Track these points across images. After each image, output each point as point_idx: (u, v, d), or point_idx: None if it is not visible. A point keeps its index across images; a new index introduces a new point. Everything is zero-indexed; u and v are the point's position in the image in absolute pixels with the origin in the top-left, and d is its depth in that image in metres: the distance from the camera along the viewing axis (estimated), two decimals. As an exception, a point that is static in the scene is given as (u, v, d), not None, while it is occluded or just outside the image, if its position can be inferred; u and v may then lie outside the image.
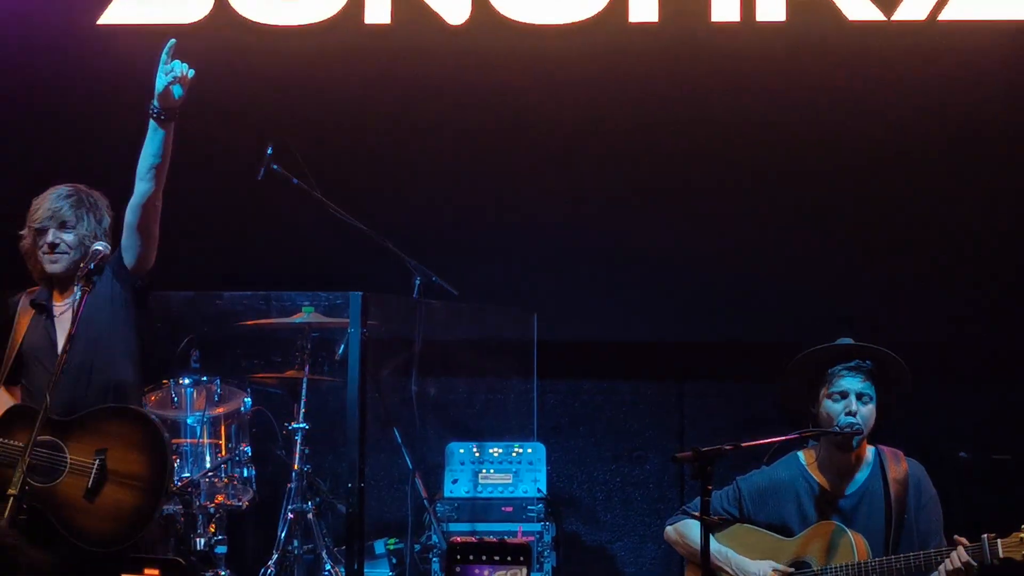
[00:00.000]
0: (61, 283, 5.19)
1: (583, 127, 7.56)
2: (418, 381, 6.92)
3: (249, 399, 7.07)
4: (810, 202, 7.47)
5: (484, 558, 2.40)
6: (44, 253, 5.12)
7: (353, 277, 7.02)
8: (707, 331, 7.58)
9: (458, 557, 2.39)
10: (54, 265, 5.12)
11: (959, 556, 4.69)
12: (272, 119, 7.44)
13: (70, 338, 4.85)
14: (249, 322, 7.14)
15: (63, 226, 5.12)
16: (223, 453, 6.88)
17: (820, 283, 7.42)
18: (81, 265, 5.05)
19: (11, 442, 4.86)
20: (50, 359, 5.03)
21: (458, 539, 2.39)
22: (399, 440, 7.05)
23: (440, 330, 7.13)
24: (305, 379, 6.99)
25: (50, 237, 5.11)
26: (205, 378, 6.86)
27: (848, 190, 7.44)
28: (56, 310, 5.16)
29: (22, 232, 5.20)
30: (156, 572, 2.70)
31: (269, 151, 6.72)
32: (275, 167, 6.73)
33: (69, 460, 4.90)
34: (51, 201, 5.16)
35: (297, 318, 6.99)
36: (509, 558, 2.41)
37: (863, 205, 7.44)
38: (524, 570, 2.40)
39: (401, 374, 7.13)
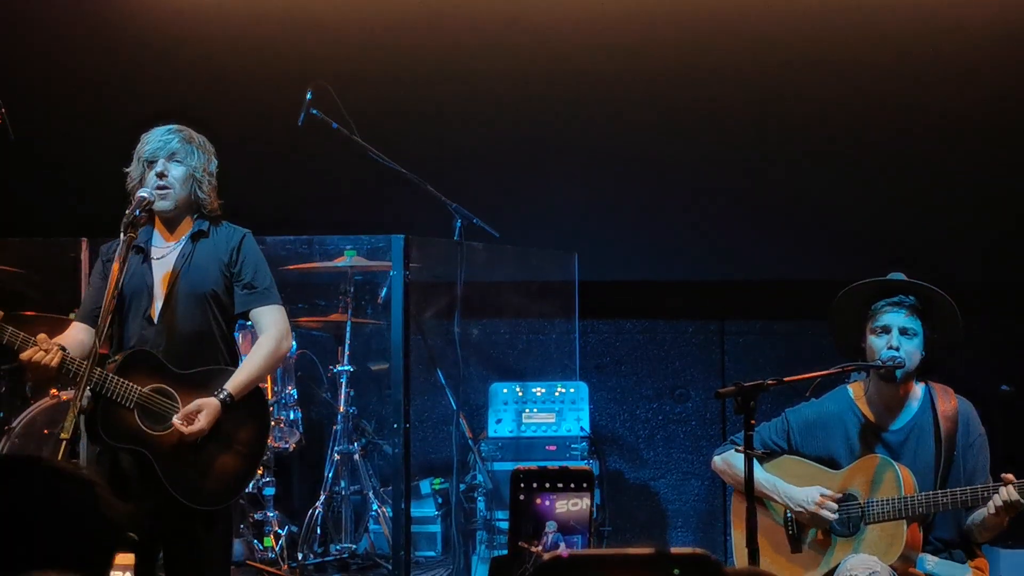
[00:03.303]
0: (168, 223, 5.04)
1: (623, 68, 7.53)
2: (461, 323, 6.94)
3: (294, 343, 7.12)
4: (854, 140, 7.43)
5: (548, 485, 2.41)
6: (153, 188, 4.93)
7: (394, 220, 7.05)
8: (748, 270, 7.58)
9: (522, 485, 2.41)
10: (162, 201, 4.94)
11: (1007, 493, 4.68)
12: (311, 64, 7.46)
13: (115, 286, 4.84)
14: (292, 266, 7.17)
15: (172, 157, 4.96)
16: (269, 396, 6.94)
17: (863, 221, 7.40)
18: (127, 212, 4.97)
19: (130, 384, 4.76)
20: (144, 303, 4.93)
21: (521, 467, 2.40)
22: (443, 381, 7.10)
23: (482, 272, 7.15)
24: (349, 322, 7.04)
25: (159, 167, 4.94)
26: (250, 323, 6.88)
27: (893, 126, 7.40)
28: (155, 252, 5.00)
29: (127, 169, 5.03)
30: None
31: (308, 96, 6.73)
32: (315, 112, 6.74)
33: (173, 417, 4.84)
34: (161, 134, 4.99)
35: (340, 262, 7.03)
36: (572, 484, 2.42)
37: (908, 142, 7.39)
38: (587, 497, 2.41)
39: (444, 316, 7.17)
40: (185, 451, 4.83)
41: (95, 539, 2.21)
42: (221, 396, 4.86)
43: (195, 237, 5.03)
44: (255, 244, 5.13)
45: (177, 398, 4.85)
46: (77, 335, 4.99)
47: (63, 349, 4.76)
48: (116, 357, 4.83)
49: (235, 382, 4.92)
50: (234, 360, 5.06)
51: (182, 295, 4.95)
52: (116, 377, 4.74)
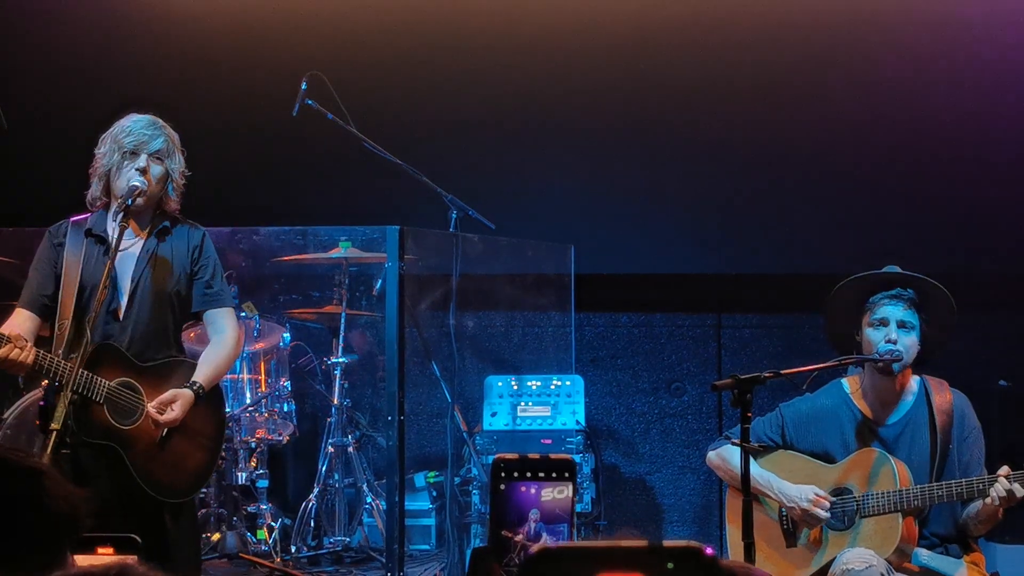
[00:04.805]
0: (134, 216, 4.96)
1: (619, 60, 7.50)
2: (456, 315, 6.89)
3: (288, 334, 7.11)
4: (850, 134, 7.39)
5: (529, 475, 2.36)
6: (130, 179, 4.87)
7: (389, 211, 7.02)
8: (744, 263, 7.55)
9: (503, 475, 2.35)
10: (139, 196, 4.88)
11: (1003, 486, 4.65)
12: (306, 54, 7.41)
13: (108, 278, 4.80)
14: (286, 257, 7.16)
15: (155, 155, 4.90)
16: (263, 388, 6.92)
17: (860, 214, 7.37)
18: (119, 200, 4.93)
19: (99, 379, 4.74)
20: (107, 297, 4.85)
21: (502, 456, 2.34)
22: (438, 374, 7.07)
23: (477, 264, 7.12)
24: (343, 314, 7.01)
25: (141, 162, 4.88)
26: (244, 314, 6.86)
27: (888, 121, 7.36)
28: (121, 244, 4.88)
29: (98, 152, 4.96)
30: (111, 550, 2.61)
31: (303, 86, 6.69)
32: (310, 102, 6.69)
33: (146, 405, 4.85)
34: (146, 126, 4.93)
35: (334, 253, 7.00)
36: (554, 474, 2.36)
37: (904, 136, 7.35)
38: (570, 486, 2.36)
39: (439, 308, 7.14)
40: (153, 445, 4.85)
41: (41, 533, 2.17)
42: (195, 388, 4.90)
43: (160, 234, 5.02)
44: (212, 244, 5.17)
45: (141, 391, 4.86)
46: (24, 323, 4.95)
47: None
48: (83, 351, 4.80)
49: (203, 375, 4.95)
50: (180, 353, 5.10)
51: (148, 292, 4.96)
52: (86, 372, 4.72)
